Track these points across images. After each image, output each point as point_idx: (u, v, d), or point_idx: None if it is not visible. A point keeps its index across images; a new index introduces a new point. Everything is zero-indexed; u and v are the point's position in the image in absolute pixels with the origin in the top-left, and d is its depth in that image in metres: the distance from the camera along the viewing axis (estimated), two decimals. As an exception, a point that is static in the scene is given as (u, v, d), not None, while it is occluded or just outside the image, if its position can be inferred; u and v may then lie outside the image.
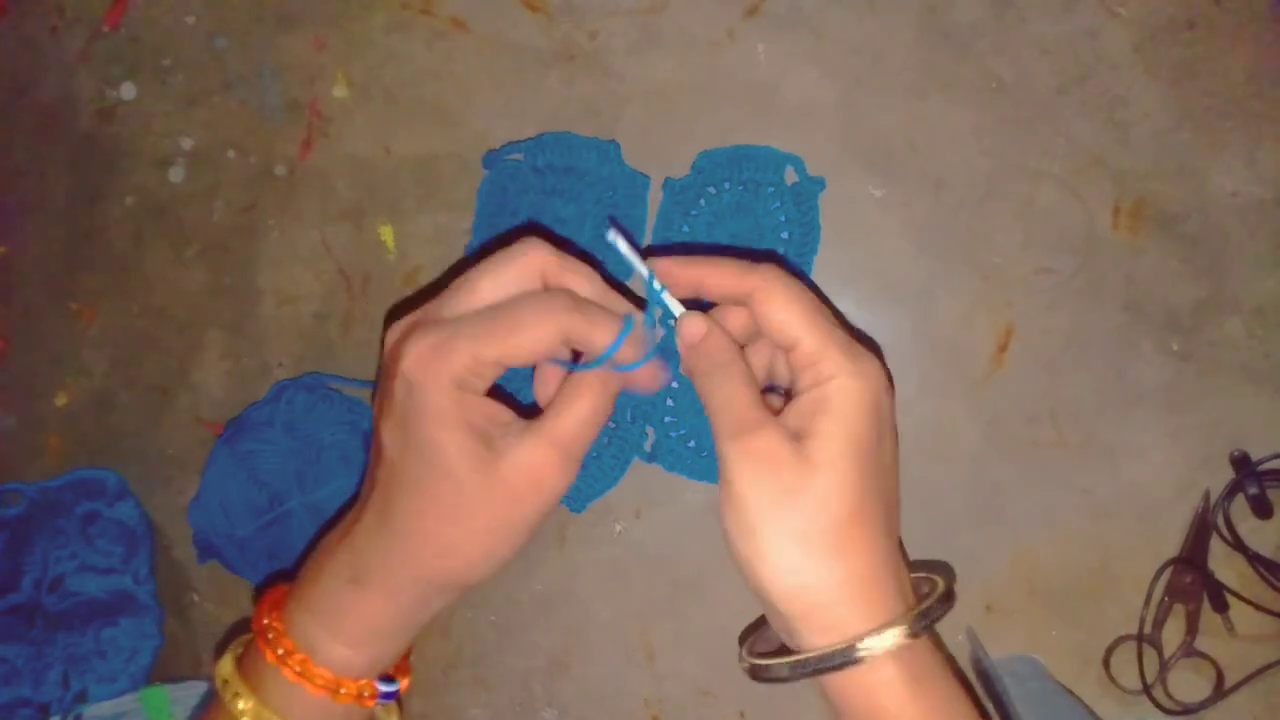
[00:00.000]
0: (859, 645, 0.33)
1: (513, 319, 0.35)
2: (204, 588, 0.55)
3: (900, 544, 0.38)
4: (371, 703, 0.37)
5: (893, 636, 0.33)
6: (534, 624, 0.52)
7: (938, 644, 0.38)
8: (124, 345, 0.56)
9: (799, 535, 0.33)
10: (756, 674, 0.36)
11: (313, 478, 0.51)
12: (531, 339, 0.35)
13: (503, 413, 0.37)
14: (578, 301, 0.36)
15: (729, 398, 0.35)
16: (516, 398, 0.51)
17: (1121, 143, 0.49)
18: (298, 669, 0.35)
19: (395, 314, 0.46)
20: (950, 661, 0.38)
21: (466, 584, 0.37)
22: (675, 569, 0.51)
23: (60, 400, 0.57)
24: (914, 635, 0.33)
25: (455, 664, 0.53)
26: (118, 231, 0.56)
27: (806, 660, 0.33)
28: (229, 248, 0.55)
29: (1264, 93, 0.49)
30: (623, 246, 0.37)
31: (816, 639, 0.34)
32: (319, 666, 0.36)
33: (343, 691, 0.36)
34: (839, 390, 0.34)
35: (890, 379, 0.37)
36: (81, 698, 0.53)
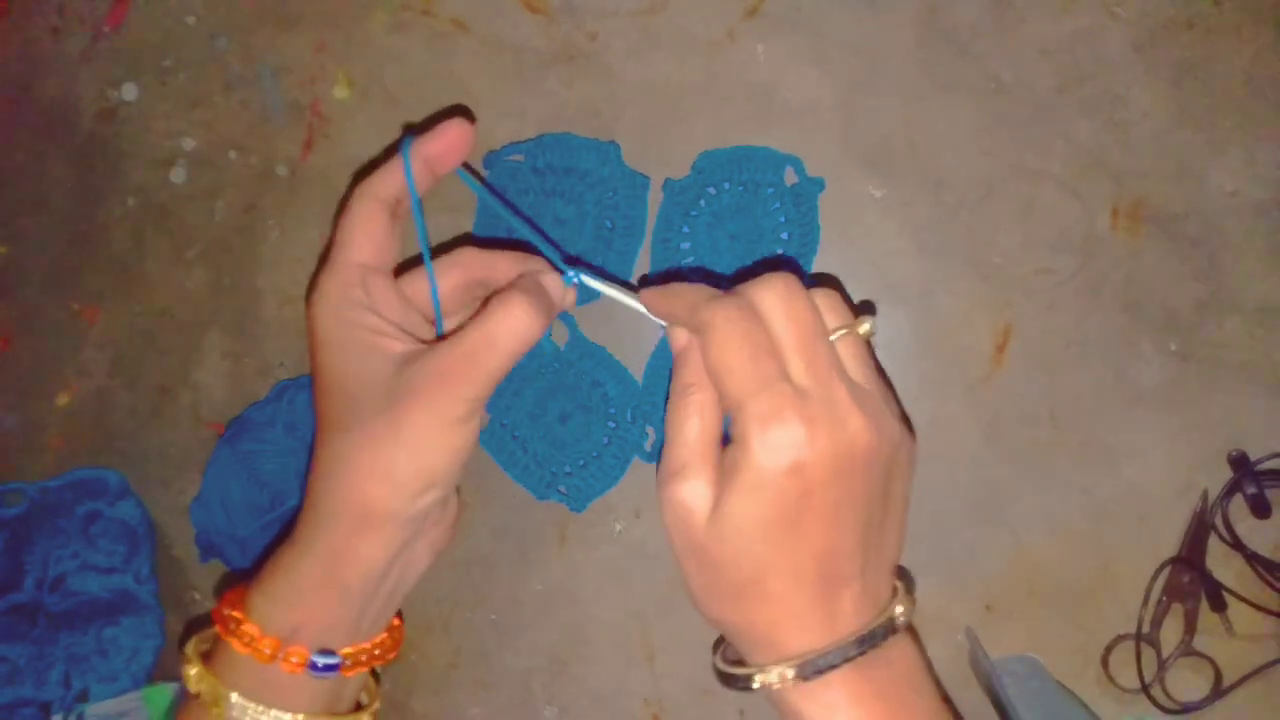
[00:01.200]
0: (745, 675, 0.35)
1: (348, 221, 0.39)
2: (205, 587, 0.55)
3: (886, 553, 0.38)
4: (300, 669, 0.36)
5: (776, 676, 0.34)
6: (534, 623, 0.52)
7: (908, 658, 0.37)
8: (125, 345, 0.56)
9: (708, 588, 0.36)
10: (715, 675, 0.38)
11: (314, 477, 0.51)
12: (367, 223, 0.38)
13: (392, 324, 0.38)
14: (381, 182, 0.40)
15: (676, 428, 0.36)
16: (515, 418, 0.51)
17: (1121, 143, 0.50)
18: (244, 640, 0.36)
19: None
20: (919, 678, 0.37)
21: (387, 509, 0.36)
22: (675, 568, 0.51)
23: (61, 400, 0.57)
24: (804, 678, 0.34)
25: (455, 663, 0.53)
26: (119, 232, 0.56)
27: (722, 674, 0.37)
28: (230, 248, 0.55)
29: (1263, 93, 0.49)
30: (603, 286, 0.40)
31: (744, 658, 0.37)
32: (251, 625, 0.36)
33: (266, 652, 0.36)
34: (745, 457, 0.33)
35: (859, 441, 0.34)
36: (83, 697, 0.53)
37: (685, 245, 0.50)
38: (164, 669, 0.55)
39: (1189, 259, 0.49)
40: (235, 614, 0.37)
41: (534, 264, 0.42)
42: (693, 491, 0.34)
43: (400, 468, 0.36)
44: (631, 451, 0.51)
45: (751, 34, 0.51)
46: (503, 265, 0.41)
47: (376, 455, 0.35)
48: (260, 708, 0.36)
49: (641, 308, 0.39)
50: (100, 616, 0.54)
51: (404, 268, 0.43)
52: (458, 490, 0.44)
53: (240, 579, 0.40)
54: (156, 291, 0.56)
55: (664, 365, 0.51)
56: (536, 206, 0.51)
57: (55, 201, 0.57)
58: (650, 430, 0.51)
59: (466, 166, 0.40)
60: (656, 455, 0.51)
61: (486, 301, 0.38)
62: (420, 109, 0.54)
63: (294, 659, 0.36)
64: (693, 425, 0.35)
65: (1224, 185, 0.49)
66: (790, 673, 0.34)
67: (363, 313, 0.38)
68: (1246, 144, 0.49)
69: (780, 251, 0.50)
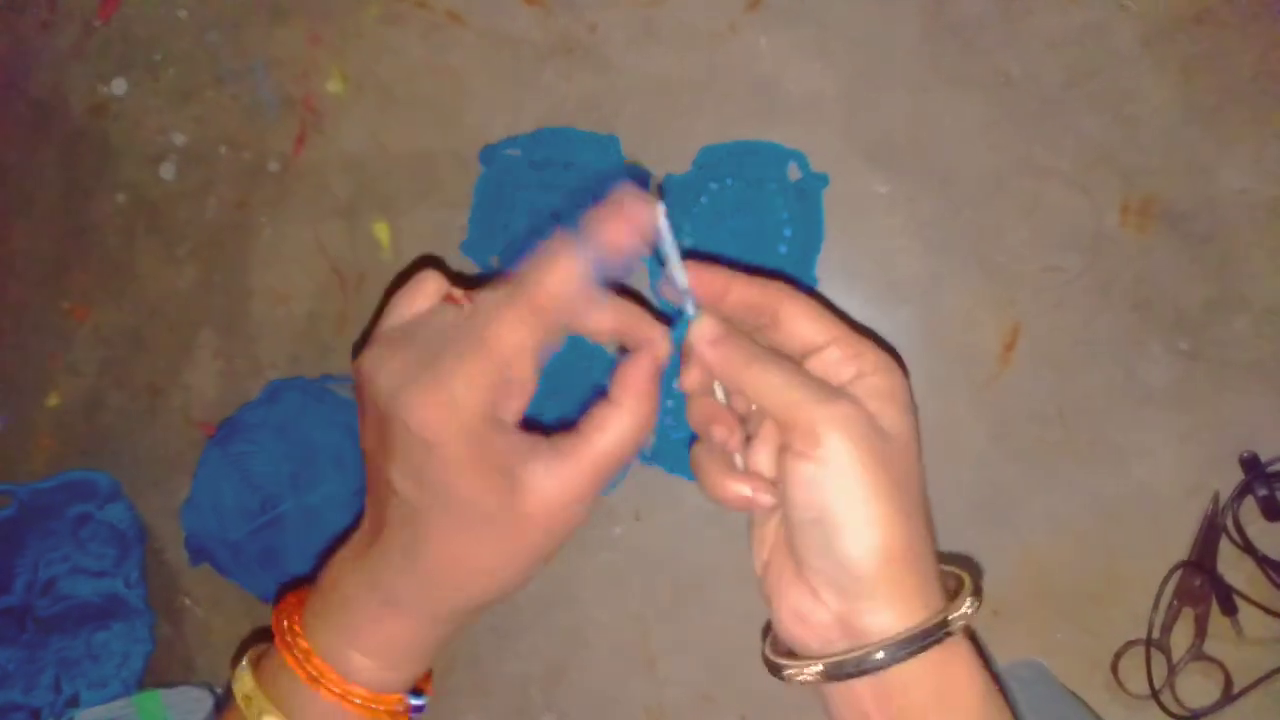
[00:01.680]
0: (952, 617, 0.32)
1: (486, 322, 0.33)
2: (196, 591, 0.55)
3: None
4: (406, 716, 0.38)
5: (964, 610, 0.33)
6: (532, 628, 0.52)
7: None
8: (115, 345, 0.56)
9: (888, 514, 0.33)
10: (834, 674, 0.34)
11: (306, 480, 0.51)
12: (512, 335, 0.33)
13: (523, 441, 0.35)
14: (548, 289, 0.34)
15: (793, 373, 0.34)
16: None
17: (1130, 139, 0.49)
18: (334, 689, 0.36)
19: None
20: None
21: (493, 604, 0.37)
22: (675, 572, 0.51)
23: (51, 400, 0.56)
24: (976, 608, 0.33)
25: (453, 669, 0.52)
26: (109, 229, 0.56)
27: (910, 637, 0.32)
28: (221, 246, 0.55)
29: (1272, 88, 0.48)
30: (666, 233, 0.34)
31: (886, 624, 0.33)
32: (353, 684, 0.36)
33: (378, 708, 0.37)
34: (891, 378, 0.35)
35: None
36: (73, 702, 0.53)
37: (687, 241, 0.50)
38: (154, 674, 0.54)
39: (1199, 257, 0.48)
40: (359, 690, 0.37)
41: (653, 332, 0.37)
42: (859, 406, 0.34)
43: (530, 575, 0.36)
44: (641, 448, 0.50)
45: (754, 26, 0.51)
46: (649, 332, 0.37)
47: (510, 569, 0.36)
48: None
49: (681, 278, 0.36)
50: (91, 621, 0.53)
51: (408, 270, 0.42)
52: None
53: (293, 611, 0.39)
54: (147, 290, 0.55)
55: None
56: (534, 201, 0.50)
57: (44, 198, 0.56)
58: (650, 432, 0.50)
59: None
60: (657, 457, 0.50)
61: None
62: (415, 103, 0.53)
63: (399, 709, 0.37)
64: (791, 364, 0.35)
65: (1233, 182, 0.48)
66: (973, 601, 0.33)
67: (502, 435, 0.34)
68: (1256, 140, 0.48)
69: (783, 249, 0.49)
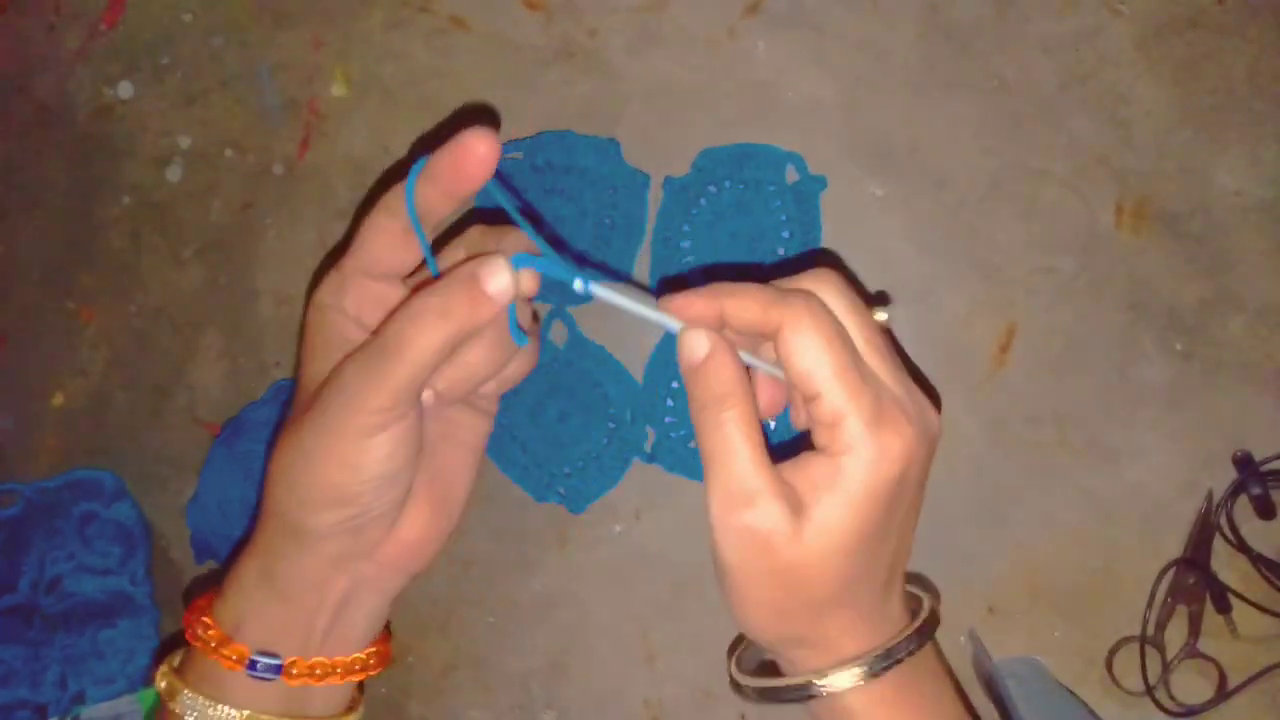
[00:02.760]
0: (816, 683, 0.34)
1: (365, 226, 0.36)
2: (201, 589, 0.55)
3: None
4: (237, 667, 0.35)
5: (850, 678, 0.33)
6: (533, 625, 0.52)
7: (933, 654, 0.38)
8: (121, 345, 0.56)
9: (781, 609, 0.34)
10: (736, 690, 0.37)
11: (311, 478, 0.51)
12: (376, 235, 0.35)
13: (352, 331, 0.36)
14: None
15: (725, 451, 0.32)
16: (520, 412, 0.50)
17: (1124, 141, 0.49)
18: (190, 623, 0.36)
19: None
20: (942, 673, 0.38)
21: (295, 520, 0.35)
22: (675, 570, 0.51)
23: (57, 400, 0.56)
24: (874, 675, 0.34)
25: (453, 665, 0.53)
26: (115, 231, 0.56)
27: (772, 689, 0.35)
28: (226, 247, 0.55)
29: (1267, 91, 0.49)
30: (615, 297, 0.33)
31: (788, 670, 0.36)
32: (208, 620, 0.36)
33: (212, 645, 0.35)
34: (854, 468, 0.31)
35: (934, 432, 0.35)
36: (79, 699, 0.53)
37: (686, 244, 0.50)
38: (160, 671, 0.54)
39: (1193, 258, 0.49)
40: (200, 605, 0.37)
41: (520, 242, 0.37)
42: (769, 516, 0.31)
43: (303, 481, 0.34)
44: (631, 452, 0.51)
45: (752, 31, 0.51)
46: (509, 244, 0.37)
47: (286, 464, 0.34)
48: (207, 702, 0.35)
49: (658, 316, 0.34)
50: (96, 618, 0.53)
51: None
52: (435, 511, 0.39)
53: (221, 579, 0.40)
54: (152, 291, 0.56)
55: (664, 365, 0.50)
56: (535, 205, 0.51)
57: (51, 200, 0.57)
58: (650, 431, 0.50)
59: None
60: (657, 456, 0.50)
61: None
62: (419, 107, 0.53)
63: (233, 656, 0.35)
64: (743, 443, 0.32)
65: (1228, 184, 0.49)
66: (860, 673, 0.33)
67: (340, 317, 0.36)
68: (1250, 143, 0.49)
69: (781, 251, 0.49)
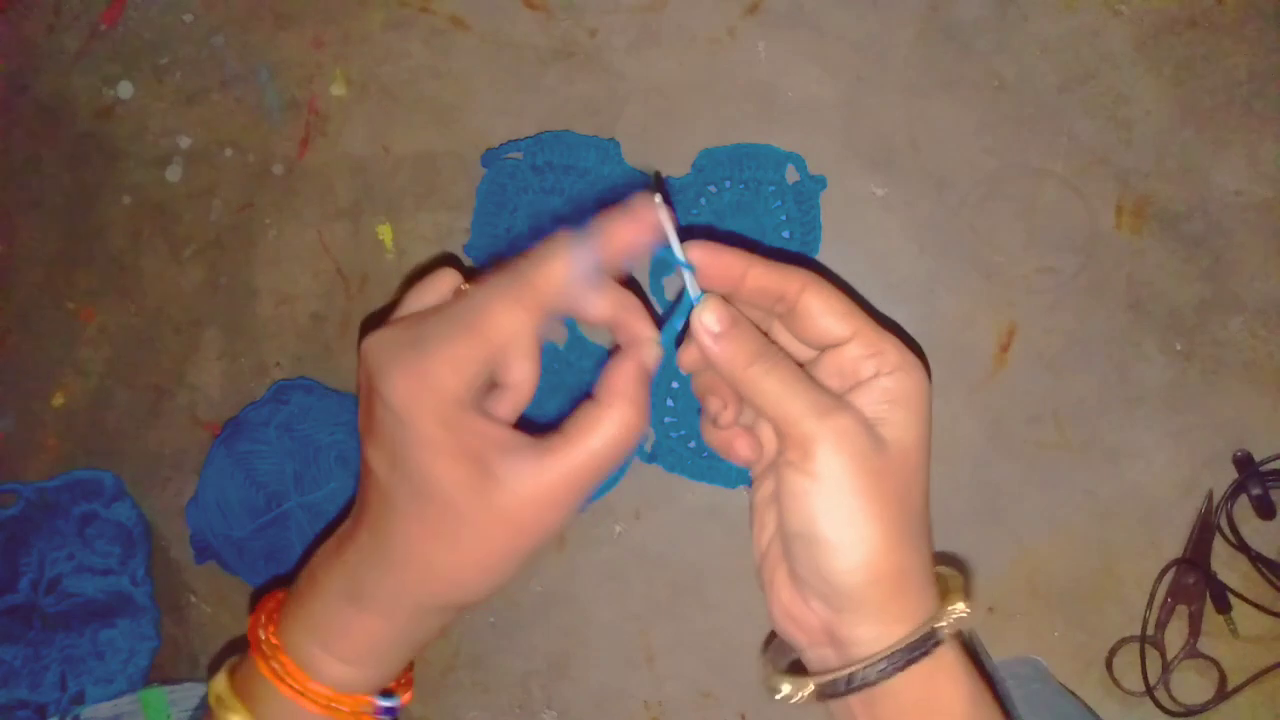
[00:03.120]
0: (938, 627, 0.32)
1: (479, 305, 0.32)
2: (201, 589, 0.55)
3: None
4: (374, 718, 0.36)
5: (949, 623, 0.33)
6: (533, 625, 0.52)
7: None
8: (121, 345, 0.56)
9: (876, 530, 0.32)
10: (827, 693, 0.34)
11: (310, 478, 0.51)
12: (505, 319, 0.32)
13: (503, 433, 0.33)
14: (544, 276, 0.33)
15: (793, 380, 0.33)
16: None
17: (1124, 141, 0.49)
18: (294, 685, 0.35)
19: (370, 325, 0.43)
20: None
21: (464, 606, 0.35)
22: (675, 570, 0.51)
23: (57, 400, 0.56)
24: (965, 619, 0.33)
25: (454, 666, 0.53)
26: (115, 231, 0.56)
27: (896, 652, 0.32)
28: (226, 247, 0.55)
29: (1266, 91, 0.49)
30: (665, 216, 0.33)
31: (870, 636, 0.33)
32: (315, 683, 0.35)
33: (340, 708, 0.35)
34: (911, 380, 0.34)
35: None
36: (79, 699, 0.53)
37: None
38: (160, 671, 0.54)
39: (1193, 258, 0.49)
40: (320, 689, 0.35)
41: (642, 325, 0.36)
42: (857, 418, 0.33)
43: (498, 582, 0.34)
44: (631, 453, 0.50)
45: (753, 31, 0.51)
46: (641, 331, 0.35)
47: (476, 569, 0.34)
48: None
49: (689, 275, 0.34)
50: (96, 618, 0.53)
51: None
52: None
53: (271, 604, 0.39)
54: (153, 291, 0.56)
55: (664, 366, 0.50)
56: (535, 204, 0.51)
57: (51, 200, 0.57)
58: (650, 430, 0.50)
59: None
60: (657, 456, 0.50)
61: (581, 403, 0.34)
62: (418, 107, 0.53)
63: (363, 710, 0.36)
64: (802, 375, 0.34)
65: (1227, 184, 0.49)
66: (959, 611, 0.33)
67: (482, 421, 0.33)
68: (1249, 142, 0.49)
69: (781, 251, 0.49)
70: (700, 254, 0.34)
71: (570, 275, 0.32)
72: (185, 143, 0.56)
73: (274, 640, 0.36)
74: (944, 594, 0.35)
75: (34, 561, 0.54)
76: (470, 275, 0.35)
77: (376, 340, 0.34)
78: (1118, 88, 0.49)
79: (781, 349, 0.35)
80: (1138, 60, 0.49)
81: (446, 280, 0.35)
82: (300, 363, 0.54)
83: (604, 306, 0.34)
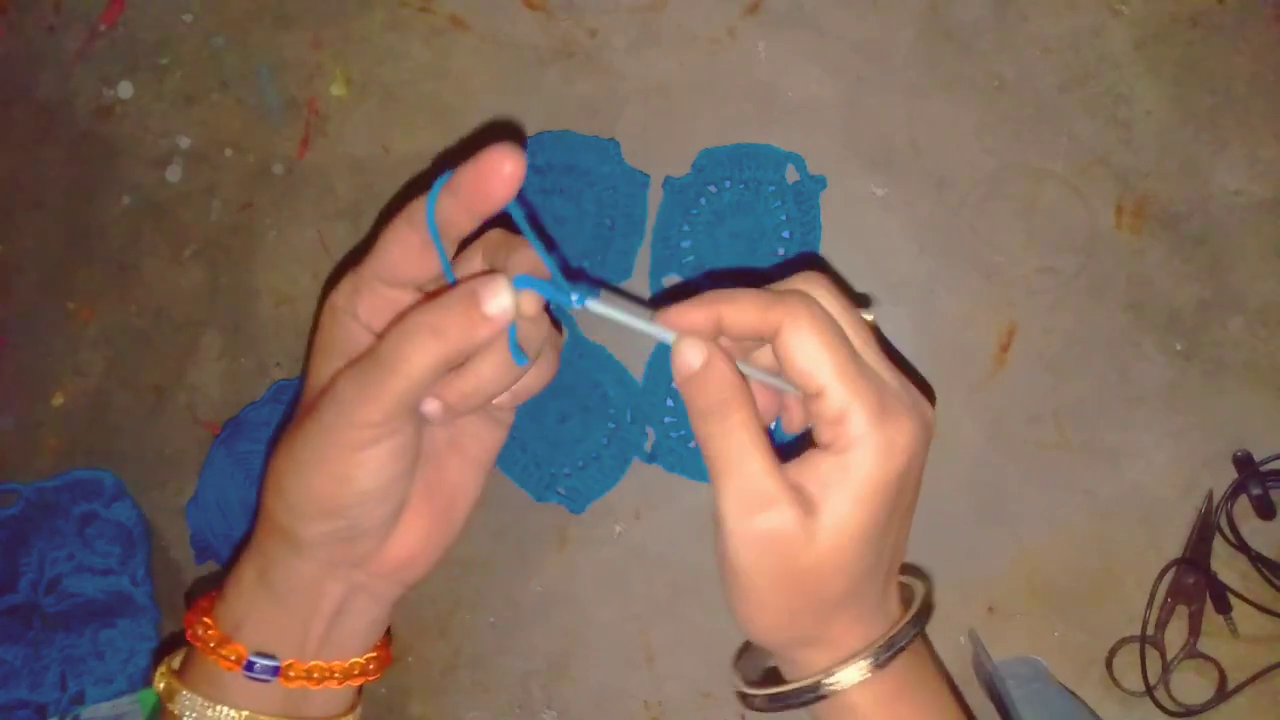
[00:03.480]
0: (825, 681, 0.34)
1: (385, 235, 0.35)
2: (201, 589, 0.55)
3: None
4: (235, 667, 0.35)
5: (858, 672, 0.34)
6: (533, 625, 0.52)
7: (924, 650, 0.38)
8: (121, 345, 0.56)
9: (793, 610, 0.34)
10: (743, 701, 0.37)
11: (311, 478, 0.51)
12: (397, 241, 0.35)
13: (361, 336, 0.36)
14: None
15: (736, 456, 0.32)
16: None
17: (1124, 141, 0.49)
18: (190, 622, 0.36)
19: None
20: (938, 670, 0.39)
21: (286, 526, 0.34)
22: (675, 570, 0.51)
23: (57, 400, 0.56)
24: (880, 667, 0.34)
25: (453, 666, 0.53)
26: (115, 231, 0.56)
27: (780, 694, 0.35)
28: (226, 247, 0.55)
29: (1267, 91, 0.49)
30: (609, 310, 0.32)
31: (793, 673, 0.36)
32: (207, 620, 0.36)
33: (211, 645, 0.35)
34: (861, 463, 0.31)
35: (930, 424, 0.35)
36: (79, 699, 0.53)
37: (686, 244, 0.50)
38: (160, 671, 0.54)
39: (1192, 258, 0.49)
40: (202, 605, 0.37)
41: (529, 258, 0.35)
42: (785, 519, 0.31)
43: (293, 489, 0.34)
44: (631, 452, 0.51)
45: (752, 31, 0.51)
46: (518, 260, 0.35)
47: (279, 471, 0.34)
48: (206, 702, 0.35)
49: (654, 329, 0.34)
50: (96, 618, 0.53)
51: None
52: (435, 524, 0.39)
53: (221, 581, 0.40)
54: (152, 291, 0.56)
55: (664, 365, 0.50)
56: (535, 205, 0.51)
57: (51, 200, 0.57)
58: (650, 430, 0.50)
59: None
60: (657, 456, 0.50)
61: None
62: (419, 107, 0.54)
63: (231, 656, 0.35)
64: (753, 447, 0.32)
65: (1227, 184, 0.49)
66: (866, 667, 0.34)
67: (351, 323, 0.35)
68: (1250, 143, 0.49)
69: (781, 251, 0.49)
70: (671, 319, 0.33)
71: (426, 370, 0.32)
72: (185, 143, 0.56)
73: (203, 606, 0.37)
74: (907, 605, 0.37)
75: (34, 561, 0.54)
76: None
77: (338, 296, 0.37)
78: (1118, 88, 0.49)
79: (748, 409, 0.33)
80: (1138, 60, 0.49)
81: (407, 234, 0.35)
82: (300, 363, 0.54)
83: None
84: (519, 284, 0.32)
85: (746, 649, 0.43)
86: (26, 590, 0.54)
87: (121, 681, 0.53)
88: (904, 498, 0.34)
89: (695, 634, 0.51)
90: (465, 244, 0.38)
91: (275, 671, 0.36)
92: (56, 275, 0.57)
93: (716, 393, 0.32)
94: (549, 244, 0.50)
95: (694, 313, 0.33)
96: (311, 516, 0.34)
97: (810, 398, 0.33)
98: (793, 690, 0.35)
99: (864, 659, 0.34)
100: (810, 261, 0.50)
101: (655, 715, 0.51)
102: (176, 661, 0.39)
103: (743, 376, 0.33)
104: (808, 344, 0.32)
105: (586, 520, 0.52)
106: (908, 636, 0.35)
